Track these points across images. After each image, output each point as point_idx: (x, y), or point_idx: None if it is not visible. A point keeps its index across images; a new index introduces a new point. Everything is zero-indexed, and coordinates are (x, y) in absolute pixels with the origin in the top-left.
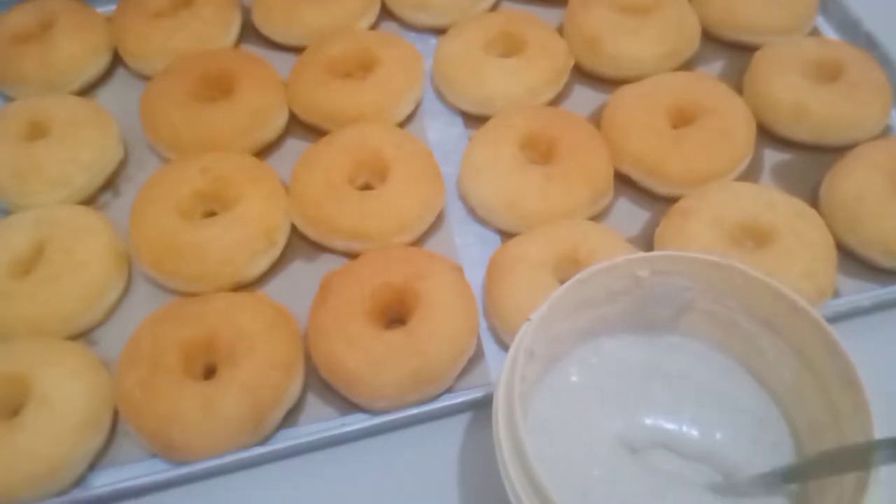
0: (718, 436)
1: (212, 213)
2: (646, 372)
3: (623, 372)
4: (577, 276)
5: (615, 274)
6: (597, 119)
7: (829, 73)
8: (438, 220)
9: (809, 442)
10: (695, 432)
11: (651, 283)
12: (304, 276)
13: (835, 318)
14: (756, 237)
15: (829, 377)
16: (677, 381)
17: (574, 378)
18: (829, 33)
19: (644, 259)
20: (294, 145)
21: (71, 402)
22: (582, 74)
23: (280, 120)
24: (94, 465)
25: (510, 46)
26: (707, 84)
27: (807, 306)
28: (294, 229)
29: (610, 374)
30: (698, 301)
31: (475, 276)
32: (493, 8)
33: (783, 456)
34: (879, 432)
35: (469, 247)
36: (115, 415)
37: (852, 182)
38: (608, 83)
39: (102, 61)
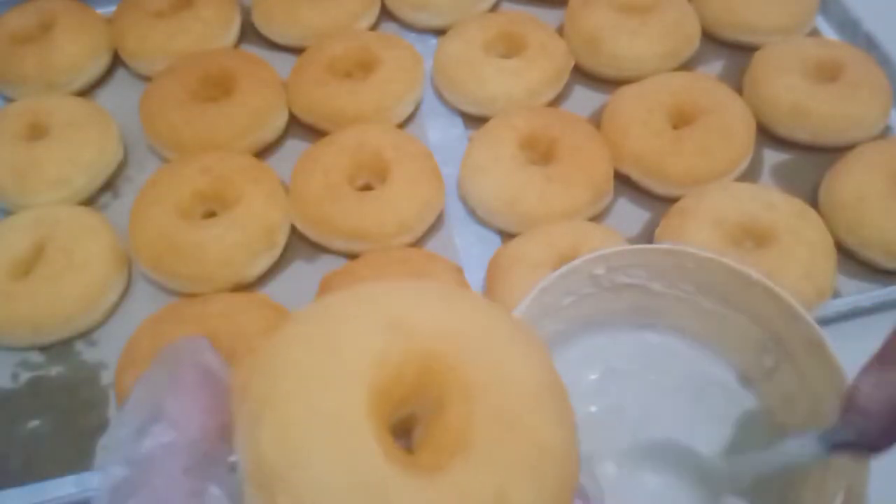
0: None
1: (212, 214)
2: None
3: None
4: (540, 285)
5: (575, 277)
6: (597, 119)
7: (829, 74)
8: (438, 221)
9: (782, 414)
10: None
11: (609, 280)
12: (304, 276)
13: (835, 319)
14: (756, 237)
15: (792, 343)
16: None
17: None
18: (829, 33)
19: (599, 257)
20: (294, 145)
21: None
22: (582, 74)
23: (280, 120)
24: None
25: (510, 47)
26: (707, 84)
27: (761, 278)
28: (294, 230)
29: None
30: (656, 290)
31: (475, 277)
32: (493, 8)
33: (756, 431)
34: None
35: (469, 247)
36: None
37: (852, 182)
38: (608, 83)
39: (102, 62)
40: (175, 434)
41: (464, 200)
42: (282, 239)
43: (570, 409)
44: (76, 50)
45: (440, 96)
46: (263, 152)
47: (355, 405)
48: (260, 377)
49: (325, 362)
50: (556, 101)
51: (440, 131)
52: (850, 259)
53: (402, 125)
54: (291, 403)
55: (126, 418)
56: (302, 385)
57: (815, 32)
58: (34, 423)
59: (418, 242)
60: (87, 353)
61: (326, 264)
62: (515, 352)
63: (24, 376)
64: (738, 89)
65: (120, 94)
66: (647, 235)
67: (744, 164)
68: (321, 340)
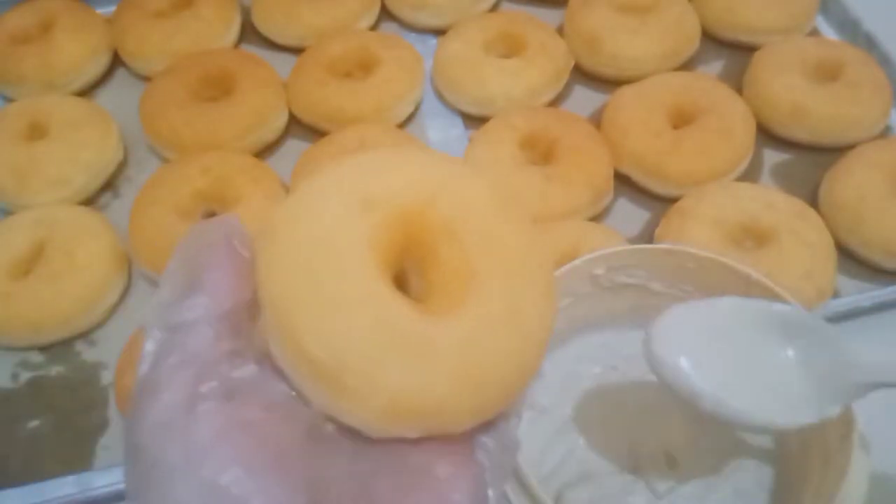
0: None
1: (212, 214)
2: None
3: None
4: None
5: (575, 277)
6: (597, 119)
7: (828, 73)
8: None
9: None
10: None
11: (609, 280)
12: None
13: (835, 319)
14: (756, 237)
15: None
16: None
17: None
18: (829, 33)
19: (599, 257)
20: (294, 145)
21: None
22: (582, 74)
23: (280, 120)
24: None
25: (510, 47)
26: (707, 84)
27: (761, 278)
28: None
29: None
30: (656, 290)
31: None
32: (493, 8)
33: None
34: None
35: None
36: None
37: (852, 182)
38: (608, 83)
39: (102, 62)
40: (209, 303)
41: None
42: None
43: (530, 219)
44: (76, 50)
45: (440, 96)
46: (263, 152)
47: (370, 279)
48: (272, 287)
49: (326, 256)
50: (556, 101)
51: (440, 131)
52: (850, 259)
53: (402, 125)
54: (315, 304)
55: (164, 289)
56: (315, 284)
57: (815, 32)
58: (34, 423)
59: None
60: (87, 353)
61: None
62: (474, 184)
63: (24, 376)
64: (738, 89)
65: (120, 94)
66: (647, 235)
67: (744, 164)
68: (315, 237)
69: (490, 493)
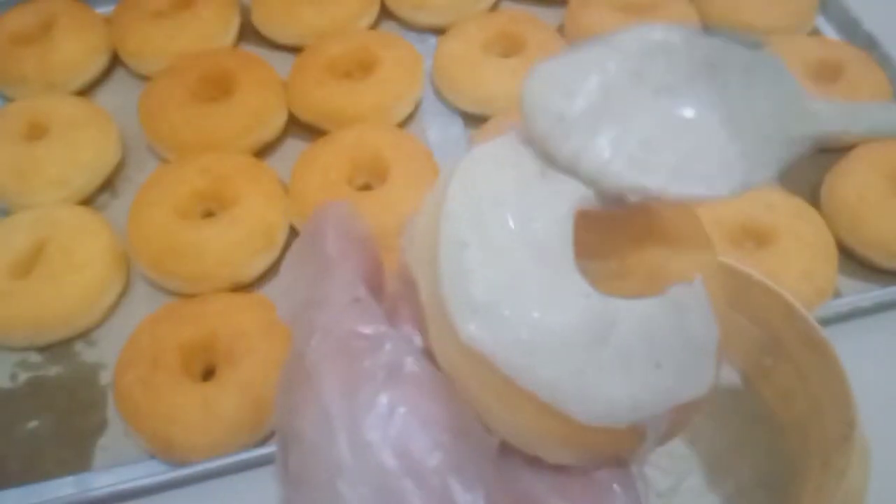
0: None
1: (211, 214)
2: None
3: None
4: None
5: None
6: None
7: (829, 73)
8: None
9: (780, 413)
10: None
11: None
12: None
13: (835, 319)
14: (756, 237)
15: (792, 343)
16: None
17: None
18: (829, 33)
19: None
20: (294, 145)
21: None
22: None
23: (279, 120)
24: (95, 466)
25: (510, 46)
26: None
27: (762, 279)
28: (293, 229)
29: None
30: None
31: None
32: (493, 7)
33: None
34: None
35: None
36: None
37: (853, 182)
38: None
39: (102, 61)
40: (342, 278)
41: None
42: (280, 239)
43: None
44: (76, 50)
45: (440, 96)
46: (263, 152)
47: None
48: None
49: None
50: None
51: (440, 131)
52: (851, 259)
53: (402, 125)
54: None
55: (286, 274)
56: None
57: (815, 32)
58: (33, 424)
59: None
60: (86, 354)
61: None
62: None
63: (23, 376)
64: None
65: (120, 94)
66: None
67: None
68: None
69: None
